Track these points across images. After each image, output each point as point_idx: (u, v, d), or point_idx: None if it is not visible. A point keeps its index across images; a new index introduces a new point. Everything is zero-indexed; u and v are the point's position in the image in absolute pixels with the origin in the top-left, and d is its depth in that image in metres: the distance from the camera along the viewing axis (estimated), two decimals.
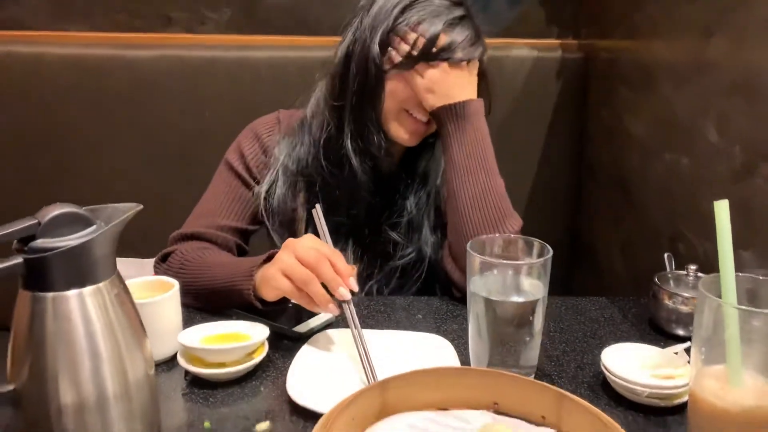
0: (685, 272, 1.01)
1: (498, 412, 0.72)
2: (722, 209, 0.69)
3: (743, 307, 0.67)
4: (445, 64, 1.08)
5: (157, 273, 1.11)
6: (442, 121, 1.11)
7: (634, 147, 1.39)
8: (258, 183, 1.20)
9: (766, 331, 0.67)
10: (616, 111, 1.48)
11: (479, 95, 1.15)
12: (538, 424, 0.70)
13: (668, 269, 1.05)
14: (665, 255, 1.05)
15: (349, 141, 1.13)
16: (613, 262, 1.47)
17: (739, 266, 0.70)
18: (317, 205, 0.99)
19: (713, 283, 0.70)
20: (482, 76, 1.16)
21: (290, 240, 0.94)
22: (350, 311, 0.89)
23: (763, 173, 0.94)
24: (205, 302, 1.03)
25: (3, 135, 1.65)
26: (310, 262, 0.89)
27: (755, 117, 0.96)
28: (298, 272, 0.89)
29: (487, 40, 1.08)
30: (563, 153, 1.72)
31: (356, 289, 0.90)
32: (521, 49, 1.69)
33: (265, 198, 1.18)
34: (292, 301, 0.95)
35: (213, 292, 1.02)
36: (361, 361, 0.84)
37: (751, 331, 0.67)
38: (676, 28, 1.23)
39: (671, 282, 1.02)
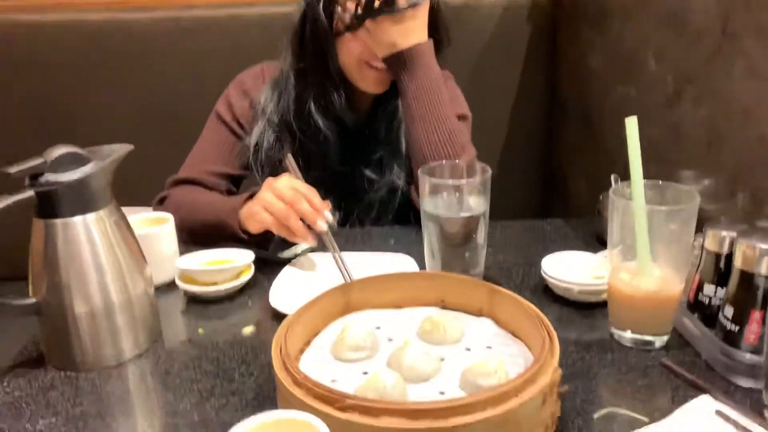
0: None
1: (444, 308, 0.84)
2: (632, 124, 0.80)
3: (648, 206, 0.79)
4: (387, 18, 1.12)
5: None
6: (393, 69, 1.17)
7: (594, 82, 1.48)
8: (245, 132, 1.30)
9: (668, 227, 0.79)
10: (581, 49, 1.57)
11: (437, 31, 1.20)
12: (477, 315, 0.82)
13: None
14: (612, 176, 1.16)
15: (312, 102, 1.22)
16: (579, 187, 1.58)
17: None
18: (288, 155, 1.10)
19: (623, 189, 0.81)
20: (435, 12, 1.20)
21: (270, 179, 1.06)
22: (329, 238, 1.01)
23: (689, 96, 1.04)
24: (198, 237, 1.15)
25: (12, 96, 1.78)
26: (288, 199, 1.01)
27: (682, 46, 1.06)
28: (278, 208, 1.01)
29: None
30: (536, 91, 1.81)
31: (331, 220, 1.02)
32: None
33: (254, 150, 1.28)
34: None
35: (204, 227, 1.14)
36: (339, 269, 0.98)
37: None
38: None
39: None
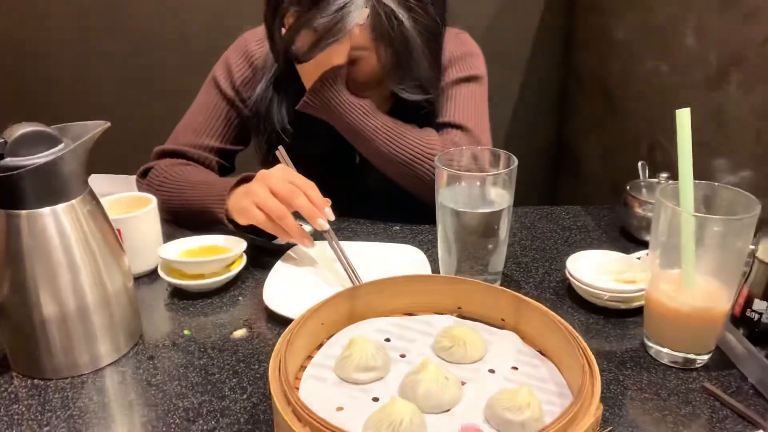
0: (657, 180, 1.02)
1: (461, 316, 0.75)
2: (684, 117, 0.70)
3: (699, 214, 0.69)
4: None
5: (139, 188, 1.12)
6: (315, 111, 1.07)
7: (617, 53, 1.37)
8: (244, 102, 1.18)
9: (720, 237, 0.69)
10: (602, 16, 1.45)
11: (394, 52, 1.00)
12: (498, 327, 0.73)
13: (641, 177, 1.06)
14: (639, 163, 1.06)
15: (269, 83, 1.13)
16: (594, 170, 1.48)
17: (708, 174, 0.71)
18: (280, 147, 0.99)
19: (671, 190, 0.72)
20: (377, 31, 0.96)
21: (263, 171, 0.94)
22: (330, 237, 0.91)
23: (735, 79, 0.93)
24: (183, 220, 1.05)
25: None
26: (284, 195, 0.90)
27: (730, 23, 0.95)
28: (273, 206, 0.90)
29: None
30: (550, 60, 1.69)
31: (332, 218, 0.91)
32: None
33: (255, 120, 1.16)
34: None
35: (189, 211, 1.03)
36: (345, 270, 0.88)
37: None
38: None
39: (643, 190, 1.03)
